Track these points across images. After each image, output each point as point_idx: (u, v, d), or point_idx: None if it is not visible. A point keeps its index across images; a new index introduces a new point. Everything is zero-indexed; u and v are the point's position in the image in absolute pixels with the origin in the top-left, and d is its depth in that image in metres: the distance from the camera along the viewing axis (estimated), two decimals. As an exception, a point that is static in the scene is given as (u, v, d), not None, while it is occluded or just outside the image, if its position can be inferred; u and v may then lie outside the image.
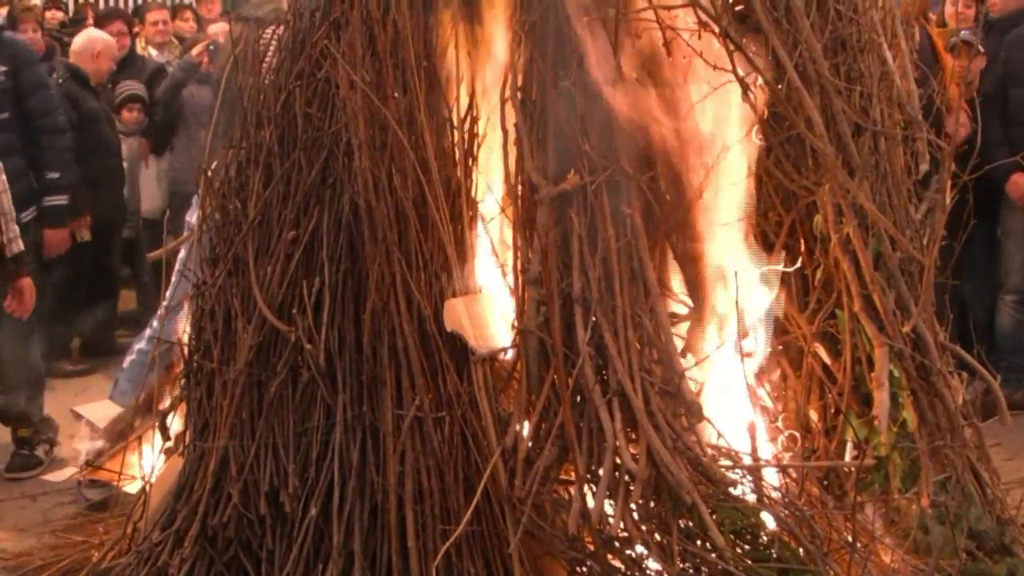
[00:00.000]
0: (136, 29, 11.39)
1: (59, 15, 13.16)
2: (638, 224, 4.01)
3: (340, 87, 4.32)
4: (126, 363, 6.32)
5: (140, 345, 6.21)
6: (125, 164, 9.50)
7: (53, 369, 8.09)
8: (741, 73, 3.58)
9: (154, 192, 9.76)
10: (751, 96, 3.63)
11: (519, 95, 4.12)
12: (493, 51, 4.25)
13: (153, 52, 10.86)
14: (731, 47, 3.53)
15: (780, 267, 4.10)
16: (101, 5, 19.56)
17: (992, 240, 7.61)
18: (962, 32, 7.64)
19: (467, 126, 4.25)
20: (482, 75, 4.26)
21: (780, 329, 4.24)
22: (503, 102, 4.13)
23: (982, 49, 7.53)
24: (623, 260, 4.02)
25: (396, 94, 4.24)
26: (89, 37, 9.10)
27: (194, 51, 9.50)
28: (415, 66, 4.20)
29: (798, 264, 4.14)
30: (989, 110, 7.38)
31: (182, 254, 5.53)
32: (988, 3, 8.21)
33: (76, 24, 12.31)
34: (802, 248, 4.13)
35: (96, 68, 8.79)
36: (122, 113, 9.54)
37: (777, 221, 4.08)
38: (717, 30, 3.55)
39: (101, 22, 10.55)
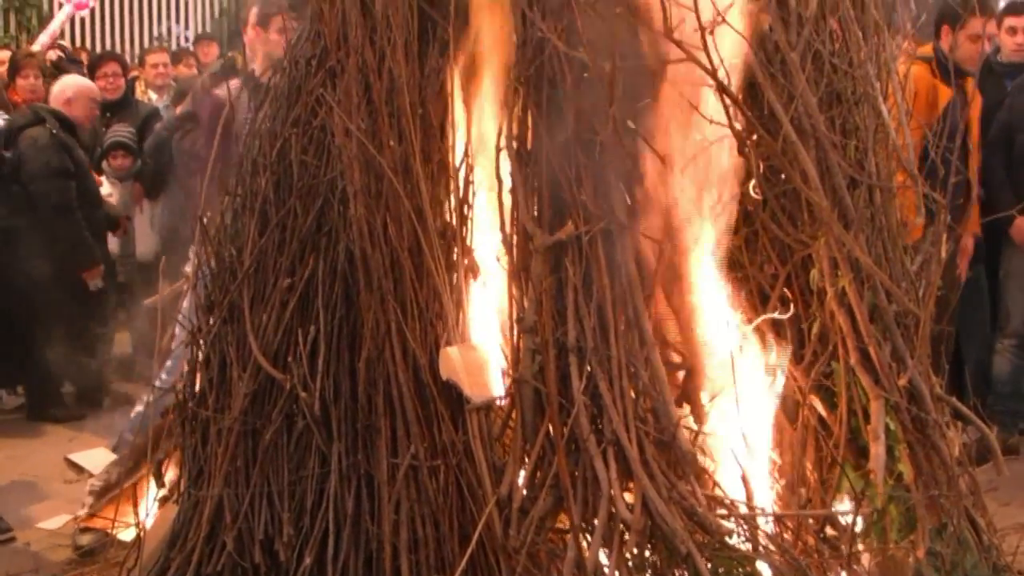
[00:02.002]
0: (136, 72, 11.44)
1: (59, 54, 13.20)
2: (633, 274, 4.01)
3: (336, 135, 4.34)
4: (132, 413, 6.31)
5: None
6: (119, 208, 9.53)
7: (46, 415, 8.11)
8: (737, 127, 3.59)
9: (148, 236, 9.76)
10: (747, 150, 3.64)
11: (514, 144, 4.12)
12: (489, 100, 4.25)
13: (153, 95, 10.89)
14: (727, 102, 3.53)
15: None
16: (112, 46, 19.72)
17: (980, 283, 7.61)
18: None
19: (462, 174, 4.24)
20: (478, 124, 4.26)
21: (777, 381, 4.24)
22: (498, 151, 4.13)
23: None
24: (618, 309, 4.01)
25: (392, 142, 4.24)
26: (62, 84, 9.07)
27: (178, 110, 9.50)
28: (411, 114, 4.20)
29: (790, 312, 4.14)
30: (994, 155, 7.41)
31: (185, 304, 5.52)
32: (1012, 47, 8.23)
33: (72, 65, 12.34)
34: (798, 301, 4.13)
35: (74, 114, 8.78)
36: (108, 160, 9.57)
37: (773, 274, 4.09)
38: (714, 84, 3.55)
39: (95, 64, 10.58)
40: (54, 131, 8.37)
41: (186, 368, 4.92)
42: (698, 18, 3.47)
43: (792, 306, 4.05)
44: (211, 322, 4.73)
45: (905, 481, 4.06)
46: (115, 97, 10.09)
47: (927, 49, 7.10)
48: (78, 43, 18.16)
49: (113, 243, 9.63)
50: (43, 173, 8.26)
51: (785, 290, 4.05)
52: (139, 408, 6.21)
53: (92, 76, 10.22)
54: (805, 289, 4.08)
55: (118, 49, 19.26)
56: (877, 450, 3.98)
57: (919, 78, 6.94)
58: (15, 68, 9.96)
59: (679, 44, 3.50)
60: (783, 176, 3.82)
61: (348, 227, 4.31)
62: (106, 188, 9.65)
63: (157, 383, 5.70)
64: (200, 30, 20.36)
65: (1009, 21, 8.35)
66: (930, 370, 4.38)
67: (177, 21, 21.46)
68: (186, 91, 9.61)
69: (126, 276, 9.74)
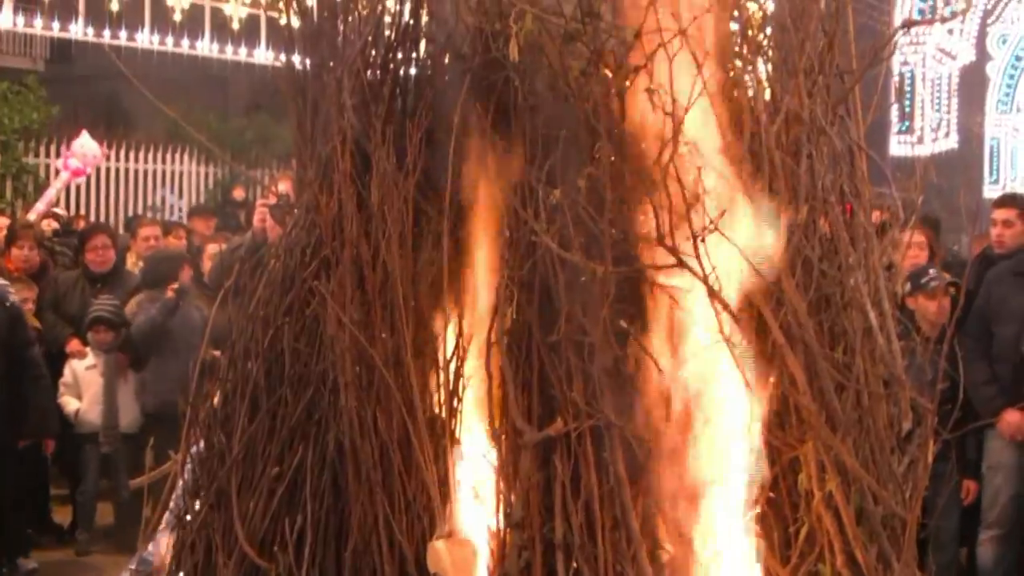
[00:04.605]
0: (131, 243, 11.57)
1: (53, 224, 13.37)
2: (621, 473, 4.01)
3: (328, 325, 4.38)
4: None
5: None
6: (103, 378, 9.56)
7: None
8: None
9: (132, 407, 9.77)
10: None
11: (505, 339, 4.16)
12: (481, 295, 4.30)
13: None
14: (719, 308, 3.58)
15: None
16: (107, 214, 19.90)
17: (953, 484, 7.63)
18: (931, 272, 7.75)
19: (453, 368, 4.27)
20: (469, 317, 4.30)
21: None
22: (489, 346, 4.17)
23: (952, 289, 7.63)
24: (606, 507, 4.01)
25: (384, 334, 4.28)
26: None
27: (169, 291, 9.60)
28: (403, 307, 4.24)
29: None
30: (974, 349, 7.47)
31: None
32: (995, 240, 8.37)
33: (68, 235, 12.48)
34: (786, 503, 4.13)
35: None
36: (91, 334, 9.64)
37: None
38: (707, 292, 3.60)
39: (85, 236, 10.71)
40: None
41: (170, 552, 4.89)
42: (690, 225, 3.54)
43: (780, 508, 4.05)
44: (197, 507, 4.72)
45: None
46: (105, 269, 10.19)
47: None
48: (73, 211, 18.35)
49: (96, 413, 9.65)
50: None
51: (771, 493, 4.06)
52: None
53: (82, 248, 10.33)
54: (793, 491, 4.08)
55: (112, 217, 19.45)
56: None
57: None
58: (12, 237, 10.10)
59: (672, 251, 3.56)
60: (771, 380, 3.85)
61: (338, 417, 4.33)
62: (90, 359, 9.70)
63: (133, 566, 5.67)
64: (194, 200, 20.60)
65: (993, 213, 8.52)
66: (916, 571, 4.37)
67: (171, 191, 21.71)
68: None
69: (110, 447, 9.72)
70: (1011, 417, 7.50)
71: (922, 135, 28.45)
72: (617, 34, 3.99)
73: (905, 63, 27.08)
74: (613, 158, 3.84)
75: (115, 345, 9.63)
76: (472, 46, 4.26)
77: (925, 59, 28.43)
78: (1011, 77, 29.18)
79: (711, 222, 3.56)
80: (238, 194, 19.30)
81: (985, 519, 7.80)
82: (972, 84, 29.03)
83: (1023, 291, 7.64)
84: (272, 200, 8.85)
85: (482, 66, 4.23)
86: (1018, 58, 28.99)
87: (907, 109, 28.17)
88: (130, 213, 19.97)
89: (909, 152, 25.88)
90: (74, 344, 9.84)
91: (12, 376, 8.49)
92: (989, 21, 28.77)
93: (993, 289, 7.81)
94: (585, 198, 3.86)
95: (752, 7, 4.32)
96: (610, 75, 3.97)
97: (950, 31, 28.02)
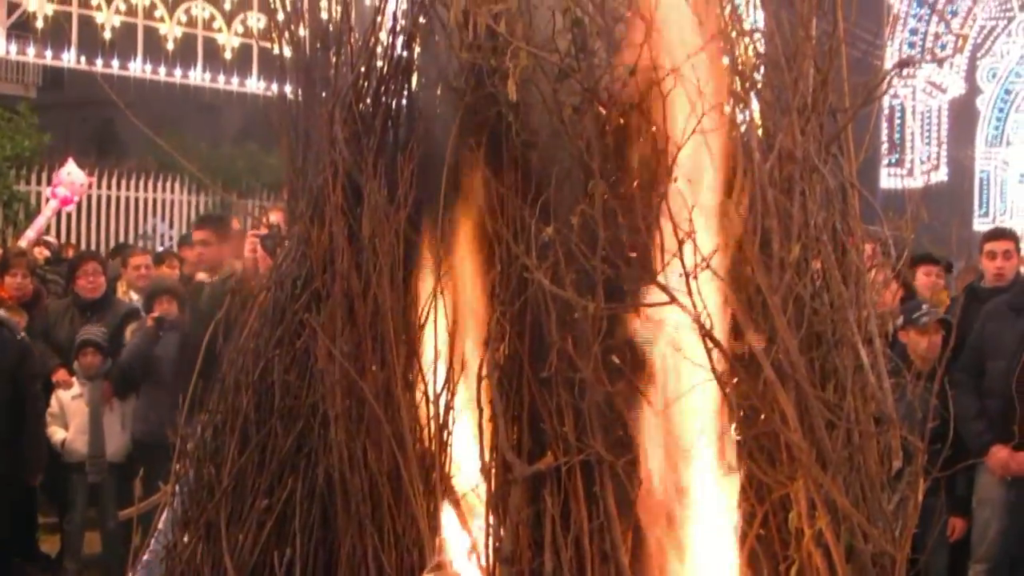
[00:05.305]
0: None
1: (45, 252, 13.36)
2: (611, 508, 4.01)
3: (319, 358, 4.37)
4: None
5: None
6: (88, 407, 9.56)
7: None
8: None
9: (119, 436, 9.75)
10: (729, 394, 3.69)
11: (496, 373, 4.16)
12: (472, 328, 4.30)
13: (135, 296, 10.98)
14: (710, 346, 3.58)
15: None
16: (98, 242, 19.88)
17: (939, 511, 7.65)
18: (923, 307, 7.77)
19: (443, 401, 4.26)
20: (460, 351, 4.29)
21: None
22: (479, 379, 4.16)
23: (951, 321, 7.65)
24: (595, 542, 4.01)
25: (374, 367, 4.28)
26: None
27: (148, 320, 9.60)
28: (394, 341, 4.24)
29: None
30: (965, 383, 7.48)
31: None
32: (994, 272, 8.39)
33: (58, 263, 12.48)
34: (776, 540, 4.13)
35: None
36: (78, 359, 9.63)
37: (750, 513, 4.09)
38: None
39: (75, 264, 10.71)
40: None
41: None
42: (682, 263, 3.54)
43: (770, 545, 4.05)
44: (186, 539, 4.70)
45: None
46: (96, 296, 10.18)
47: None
48: (63, 239, 18.34)
49: (82, 443, 9.64)
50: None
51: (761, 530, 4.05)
52: None
53: (73, 275, 10.33)
54: (783, 528, 4.08)
55: (103, 246, 19.44)
56: None
57: None
58: (5, 265, 10.10)
59: (664, 288, 3.57)
60: (763, 417, 3.85)
61: (328, 450, 4.32)
62: (76, 389, 9.69)
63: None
64: (185, 229, 20.59)
65: (988, 246, 8.53)
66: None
67: (162, 219, 21.71)
68: (159, 292, 9.73)
69: (97, 476, 9.70)
70: (999, 453, 7.51)
71: (912, 168, 28.59)
72: (611, 71, 4.01)
73: (895, 96, 27.24)
74: (606, 196, 3.85)
75: (102, 372, 9.61)
76: (465, 80, 4.26)
77: (915, 92, 28.60)
78: (1001, 111, 29.38)
79: (703, 259, 3.57)
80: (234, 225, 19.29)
81: (974, 553, 7.81)
82: (962, 117, 29.22)
83: (1017, 326, 7.64)
84: (263, 231, 8.84)
85: (475, 101, 4.24)
86: (1007, 92, 29.19)
87: (897, 141, 28.34)
88: (121, 241, 19.94)
89: (899, 185, 25.99)
90: (61, 374, 9.82)
91: (15, 408, 8.49)
92: (979, 55, 28.96)
93: (988, 323, 7.82)
94: (578, 235, 3.86)
95: (745, 45, 4.33)
96: (604, 112, 3.99)
97: (940, 64, 28.21)
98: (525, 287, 4.07)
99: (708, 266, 3.55)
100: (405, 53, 4.66)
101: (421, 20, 4.56)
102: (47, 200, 16.41)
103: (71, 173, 14.90)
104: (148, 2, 19.87)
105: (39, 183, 20.27)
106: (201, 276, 9.31)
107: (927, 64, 27.39)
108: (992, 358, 7.69)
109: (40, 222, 14.53)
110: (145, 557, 5.92)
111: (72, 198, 15.35)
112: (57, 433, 9.72)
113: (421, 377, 4.29)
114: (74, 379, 9.76)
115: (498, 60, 4.06)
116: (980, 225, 26.82)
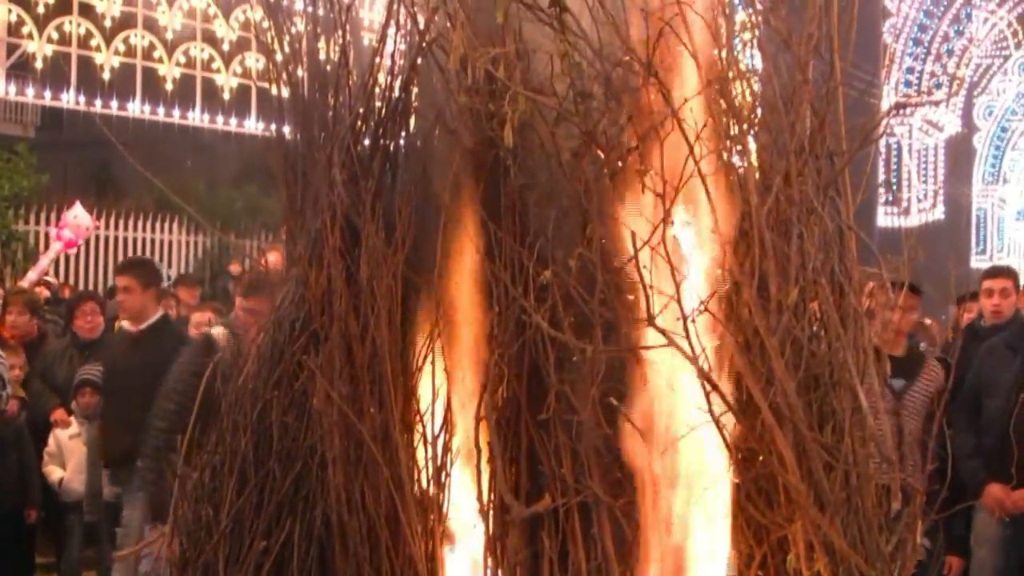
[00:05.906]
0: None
1: (45, 292, 13.37)
2: (608, 549, 4.01)
3: (317, 400, 4.37)
4: None
5: None
6: (86, 447, 9.55)
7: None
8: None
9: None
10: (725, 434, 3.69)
11: (494, 415, 4.16)
12: (469, 369, 4.30)
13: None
14: (707, 387, 3.59)
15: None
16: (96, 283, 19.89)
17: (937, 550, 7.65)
18: (920, 346, 7.80)
19: (441, 442, 4.26)
20: (457, 392, 4.30)
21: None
22: (477, 420, 4.16)
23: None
24: (593, 583, 4.01)
25: (372, 409, 4.28)
26: None
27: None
28: (391, 382, 4.24)
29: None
30: (962, 421, 7.48)
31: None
32: (990, 310, 8.40)
33: (56, 303, 12.48)
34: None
35: None
36: (76, 398, 9.62)
37: (748, 554, 4.08)
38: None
39: (74, 304, 10.71)
40: None
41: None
42: (680, 306, 3.55)
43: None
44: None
45: None
46: (93, 336, 10.19)
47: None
48: (61, 279, 18.35)
49: (80, 482, 9.63)
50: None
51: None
52: None
53: (71, 315, 10.33)
54: (781, 570, 4.07)
55: (100, 285, 19.45)
56: None
57: None
58: (4, 304, 10.12)
59: (662, 331, 3.57)
60: (760, 459, 3.85)
61: (326, 492, 4.31)
62: (74, 428, 9.68)
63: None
64: (182, 269, 20.62)
65: (986, 284, 8.55)
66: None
67: (160, 260, 21.72)
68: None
69: (94, 516, 9.69)
70: (993, 491, 7.50)
71: (909, 206, 28.61)
72: (609, 115, 4.02)
73: (892, 134, 27.27)
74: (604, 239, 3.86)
75: (98, 412, 9.60)
76: (463, 124, 4.28)
77: (912, 130, 28.65)
78: (997, 148, 29.42)
79: (701, 303, 3.58)
80: (234, 269, 19.30)
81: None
82: (959, 155, 29.24)
83: (1013, 364, 7.64)
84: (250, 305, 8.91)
85: (473, 144, 4.25)
86: (1004, 129, 29.23)
87: (894, 180, 28.37)
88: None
89: (896, 223, 26.00)
90: (59, 413, 9.81)
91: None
92: (975, 93, 29.02)
93: (986, 361, 7.83)
94: (575, 278, 3.87)
95: (741, 88, 4.34)
96: (602, 155, 4.00)
97: (936, 102, 28.26)
98: (523, 329, 4.08)
99: (706, 309, 3.56)
100: (403, 95, 4.67)
101: (419, 62, 4.58)
102: (46, 240, 16.43)
103: (78, 216, 14.94)
104: (147, 43, 19.92)
105: (37, 223, 20.33)
106: (124, 323, 9.21)
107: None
108: (989, 396, 7.68)
109: (43, 263, 14.57)
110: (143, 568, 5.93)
111: (77, 241, 15.38)
112: (55, 472, 9.71)
113: (419, 419, 4.29)
114: (72, 419, 9.75)
115: (496, 104, 4.07)
116: (977, 263, 26.82)
